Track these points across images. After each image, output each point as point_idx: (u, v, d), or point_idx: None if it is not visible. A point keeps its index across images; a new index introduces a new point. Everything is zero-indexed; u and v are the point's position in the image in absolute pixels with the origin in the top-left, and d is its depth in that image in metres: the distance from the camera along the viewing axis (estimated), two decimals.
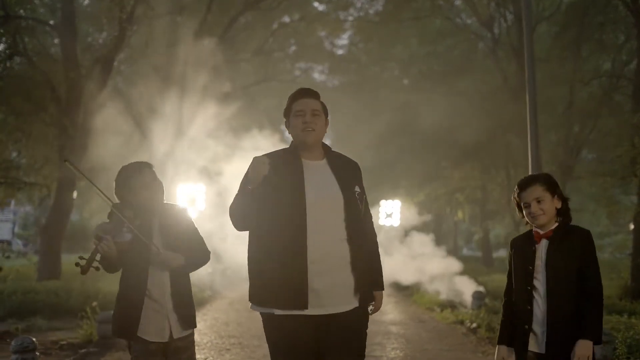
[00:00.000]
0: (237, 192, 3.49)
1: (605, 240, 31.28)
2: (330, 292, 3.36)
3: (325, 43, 24.66)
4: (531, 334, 3.46)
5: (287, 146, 3.63)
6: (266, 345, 3.48)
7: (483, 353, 8.18)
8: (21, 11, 16.36)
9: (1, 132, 15.69)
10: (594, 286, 3.43)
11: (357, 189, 3.56)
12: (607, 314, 9.75)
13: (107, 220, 3.82)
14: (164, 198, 3.98)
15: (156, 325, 3.76)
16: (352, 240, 3.43)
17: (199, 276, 15.65)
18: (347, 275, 3.41)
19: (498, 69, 20.53)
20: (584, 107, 18.46)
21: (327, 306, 3.36)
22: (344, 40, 26.73)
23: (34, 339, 6.29)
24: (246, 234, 3.55)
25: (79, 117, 14.73)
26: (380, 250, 3.73)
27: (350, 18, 23.21)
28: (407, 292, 16.54)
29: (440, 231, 34.49)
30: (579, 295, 3.41)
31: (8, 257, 15.95)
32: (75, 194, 15.71)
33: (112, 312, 8.88)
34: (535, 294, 3.47)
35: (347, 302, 3.41)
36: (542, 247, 3.52)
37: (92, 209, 21.73)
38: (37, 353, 6.34)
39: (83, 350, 7.97)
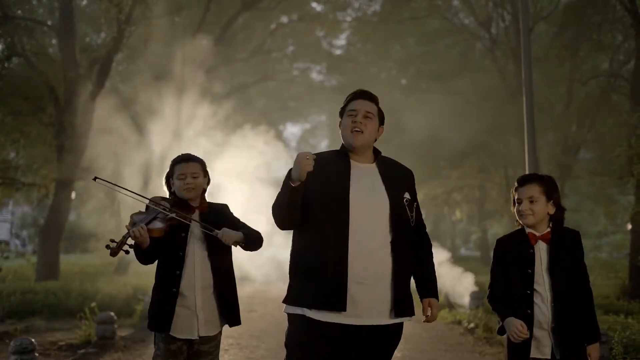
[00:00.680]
0: (280, 189, 3.39)
1: (604, 240, 31.38)
2: (367, 301, 3.24)
3: (323, 43, 24.70)
4: (532, 339, 3.42)
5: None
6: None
7: (480, 353, 8.21)
8: (19, 12, 16.39)
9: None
10: (589, 287, 3.53)
11: (407, 195, 3.45)
12: (604, 314, 9.79)
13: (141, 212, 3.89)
14: (206, 195, 4.04)
15: (185, 322, 3.77)
16: (396, 248, 3.32)
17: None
18: (387, 285, 3.29)
19: (496, 69, 20.58)
20: (582, 106, 18.51)
21: (364, 317, 3.25)
22: (341, 40, 26.69)
23: (32, 340, 6.30)
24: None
25: (77, 118, 14.74)
26: None
27: (348, 18, 23.25)
28: None
29: (438, 231, 34.58)
30: (579, 298, 3.47)
31: (7, 258, 16.00)
32: (73, 194, 15.71)
33: (110, 313, 8.91)
34: (536, 299, 3.43)
35: (383, 315, 3.28)
36: (541, 250, 3.50)
37: (90, 209, 21.74)
38: (36, 354, 6.35)
39: (82, 351, 7.98)
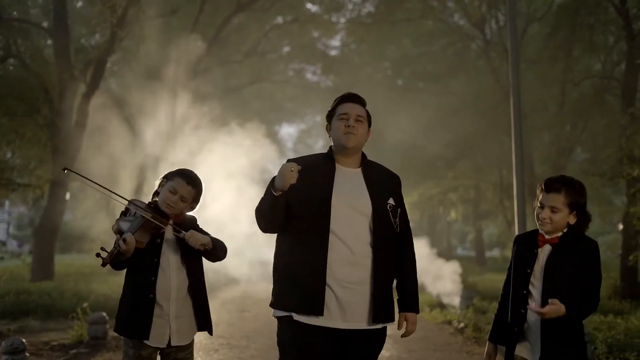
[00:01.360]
0: (264, 193, 3.39)
1: (599, 240, 31.52)
2: (348, 305, 3.27)
3: (318, 44, 24.76)
4: (522, 339, 3.38)
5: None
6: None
7: (468, 353, 8.29)
8: (14, 13, 16.46)
9: None
10: (593, 297, 3.31)
11: (391, 201, 3.43)
12: (592, 314, 9.86)
13: (124, 217, 3.79)
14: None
15: (157, 330, 3.71)
16: (377, 254, 3.32)
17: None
18: (367, 291, 3.31)
19: (490, 70, 20.66)
20: (576, 107, 18.60)
21: (346, 320, 3.27)
22: (336, 41, 26.72)
23: (23, 340, 6.36)
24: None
25: (71, 119, 14.81)
26: None
27: (343, 20, 23.31)
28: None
29: (434, 231, 34.67)
30: (575, 303, 3.26)
31: (2, 259, 16.06)
32: (68, 195, 15.77)
33: (102, 313, 8.94)
34: (529, 300, 3.37)
35: (364, 320, 3.30)
36: (544, 253, 3.40)
37: (85, 210, 21.79)
38: (27, 354, 6.41)
39: (73, 351, 8.05)
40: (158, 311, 3.72)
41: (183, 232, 3.74)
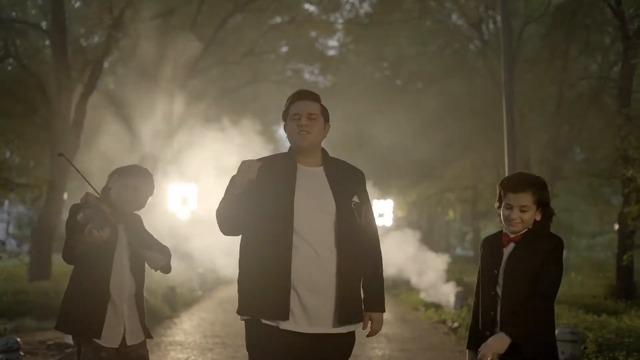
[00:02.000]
0: (223, 195, 3.30)
1: (598, 240, 31.52)
2: (314, 308, 3.18)
3: (316, 44, 24.81)
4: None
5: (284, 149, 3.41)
6: None
7: (461, 352, 8.33)
8: (13, 14, 16.51)
9: None
10: (544, 290, 3.22)
11: (355, 199, 3.32)
12: (585, 314, 9.93)
13: (83, 203, 3.58)
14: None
15: (112, 330, 3.61)
16: (342, 254, 3.22)
17: (190, 276, 15.83)
18: (332, 292, 3.21)
19: (487, 70, 20.70)
20: (573, 107, 18.65)
21: (313, 324, 3.19)
22: (334, 41, 26.76)
23: (18, 339, 6.41)
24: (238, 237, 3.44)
25: (69, 119, 14.87)
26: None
27: (340, 20, 23.35)
28: (395, 291, 16.73)
29: (433, 231, 34.70)
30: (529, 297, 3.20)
31: (0, 258, 16.11)
32: (65, 195, 15.82)
33: None
34: (498, 300, 3.30)
35: (330, 324, 3.21)
36: (508, 252, 3.34)
37: None
38: (22, 353, 6.47)
39: (69, 350, 8.10)
40: (112, 310, 3.62)
41: (145, 250, 3.66)
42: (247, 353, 3.31)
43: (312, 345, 3.22)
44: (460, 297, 12.30)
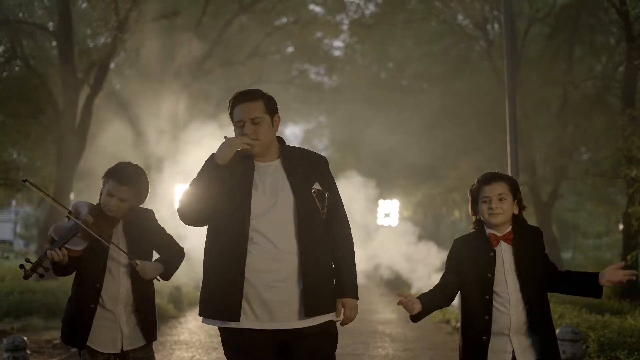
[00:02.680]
0: (191, 182, 3.23)
1: (604, 240, 31.44)
2: (280, 305, 3.12)
3: (322, 45, 24.84)
4: (490, 345, 3.27)
5: None
6: None
7: None
8: (20, 15, 16.62)
9: (0, 134, 15.96)
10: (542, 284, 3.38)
11: (316, 186, 3.25)
12: (589, 313, 9.93)
13: (65, 222, 3.64)
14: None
15: (108, 336, 3.61)
16: (304, 246, 3.15)
17: (197, 275, 15.90)
18: (297, 287, 3.14)
19: (492, 70, 20.71)
20: (577, 108, 18.64)
21: (280, 320, 3.12)
22: (339, 42, 26.80)
23: (24, 338, 6.48)
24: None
25: (75, 120, 14.96)
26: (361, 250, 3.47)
27: (346, 21, 23.39)
28: (400, 290, 16.72)
29: (438, 231, 34.70)
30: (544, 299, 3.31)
31: (6, 258, 16.20)
32: (72, 196, 15.91)
33: None
34: (496, 303, 3.28)
35: (298, 317, 3.13)
36: (503, 252, 3.33)
37: None
38: (28, 351, 6.54)
39: (74, 349, 8.17)
40: (108, 316, 3.61)
41: (136, 261, 3.58)
42: None
43: (288, 342, 3.17)
44: None
